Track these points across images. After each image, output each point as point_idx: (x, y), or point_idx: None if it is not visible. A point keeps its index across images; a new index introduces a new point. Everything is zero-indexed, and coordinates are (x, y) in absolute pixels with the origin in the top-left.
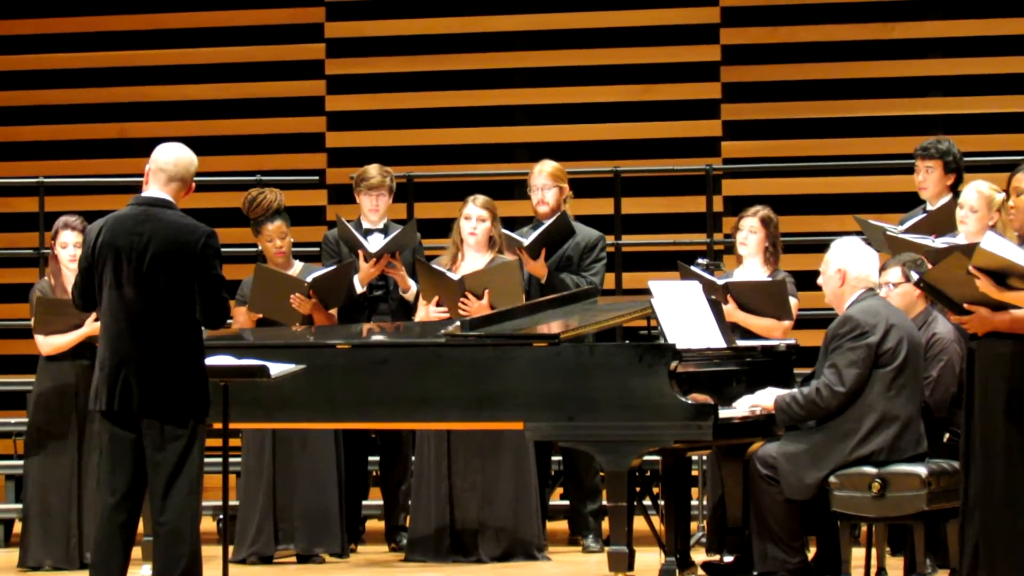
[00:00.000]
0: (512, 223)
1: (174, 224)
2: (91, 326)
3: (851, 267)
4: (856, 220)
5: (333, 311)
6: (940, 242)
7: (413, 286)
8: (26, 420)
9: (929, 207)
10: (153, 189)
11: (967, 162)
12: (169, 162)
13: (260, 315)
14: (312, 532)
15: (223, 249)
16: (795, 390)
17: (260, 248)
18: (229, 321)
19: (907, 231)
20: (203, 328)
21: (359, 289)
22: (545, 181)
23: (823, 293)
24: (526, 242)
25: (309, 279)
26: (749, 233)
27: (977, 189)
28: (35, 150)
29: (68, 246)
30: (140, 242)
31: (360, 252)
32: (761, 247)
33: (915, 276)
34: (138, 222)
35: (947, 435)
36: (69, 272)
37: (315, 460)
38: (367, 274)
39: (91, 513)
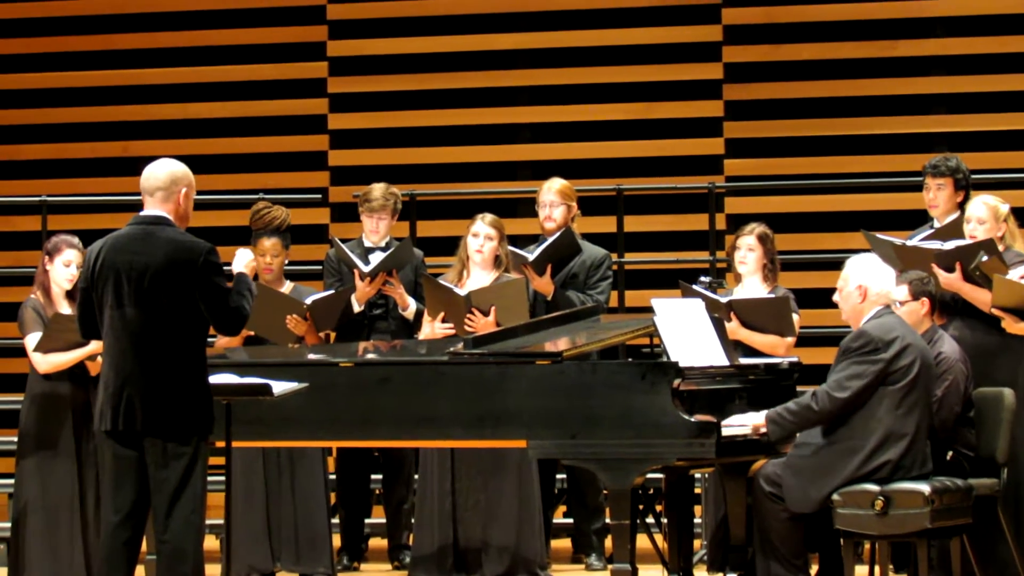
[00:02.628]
0: (516, 241)
1: (173, 242)
2: (96, 344)
3: (872, 283)
4: (864, 235)
5: (322, 333)
6: (950, 245)
7: (412, 304)
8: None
9: (937, 224)
10: (149, 208)
11: (973, 179)
12: (155, 178)
13: (250, 332)
14: (300, 552)
15: (226, 267)
16: (789, 403)
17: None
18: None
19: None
20: (220, 336)
21: (356, 308)
22: (553, 198)
23: (825, 311)
24: (531, 258)
25: (308, 301)
26: (747, 251)
27: (983, 201)
28: (38, 168)
29: (71, 264)
30: (140, 261)
31: (355, 271)
32: (760, 264)
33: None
34: (137, 241)
35: (950, 453)
36: (59, 290)
37: (303, 481)
38: (363, 293)
39: (93, 528)
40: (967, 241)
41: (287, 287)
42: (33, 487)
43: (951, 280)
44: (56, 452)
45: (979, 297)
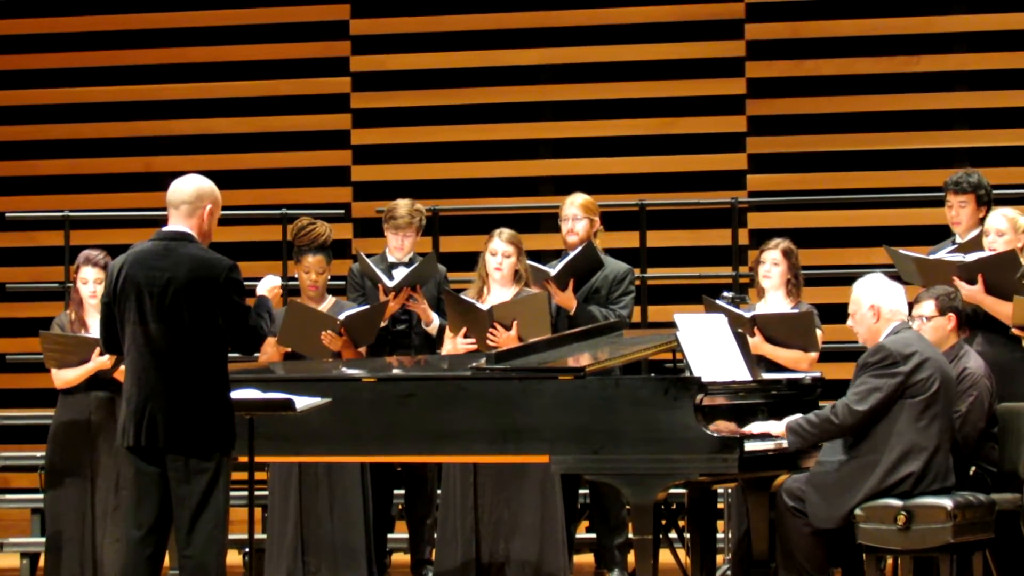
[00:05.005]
0: (538, 256)
1: (195, 258)
2: (97, 361)
3: (884, 302)
4: (887, 251)
5: (362, 348)
6: (972, 257)
7: (436, 319)
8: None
9: (959, 239)
10: (173, 222)
11: (994, 195)
12: (182, 192)
13: (288, 348)
14: (338, 567)
15: (248, 282)
16: (809, 414)
17: (293, 279)
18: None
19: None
20: (238, 354)
21: (380, 323)
22: (576, 212)
23: (847, 326)
24: (553, 272)
25: (341, 317)
26: (772, 266)
27: (1003, 214)
28: (60, 184)
29: (88, 282)
30: (162, 277)
31: (380, 286)
32: (784, 279)
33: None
34: (159, 257)
35: (973, 468)
36: (90, 307)
37: (341, 495)
38: (388, 308)
39: (105, 544)
40: (989, 253)
41: (329, 301)
42: (52, 523)
43: (973, 292)
44: (73, 472)
45: (1001, 310)
